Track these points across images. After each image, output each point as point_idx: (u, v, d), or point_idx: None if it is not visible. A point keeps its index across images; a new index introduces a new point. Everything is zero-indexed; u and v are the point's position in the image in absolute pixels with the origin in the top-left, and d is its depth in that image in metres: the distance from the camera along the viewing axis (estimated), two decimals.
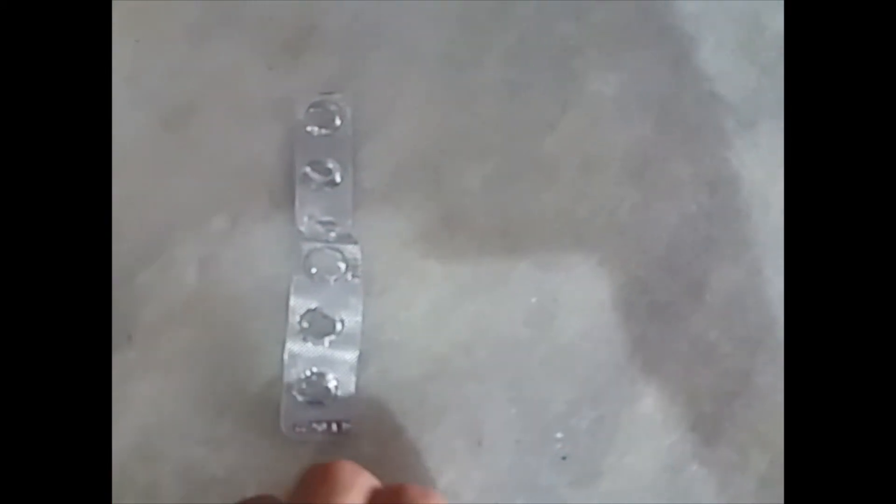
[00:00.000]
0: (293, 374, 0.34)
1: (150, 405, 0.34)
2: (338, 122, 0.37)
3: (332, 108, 0.37)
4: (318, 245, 0.35)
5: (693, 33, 0.39)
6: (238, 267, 0.35)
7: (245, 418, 0.34)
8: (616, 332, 0.35)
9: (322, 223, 0.35)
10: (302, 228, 0.35)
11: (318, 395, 0.34)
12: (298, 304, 0.34)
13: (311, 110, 0.37)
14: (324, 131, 0.37)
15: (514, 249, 0.36)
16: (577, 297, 0.35)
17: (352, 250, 0.35)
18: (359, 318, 0.34)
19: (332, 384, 0.34)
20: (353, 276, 0.35)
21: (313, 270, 0.34)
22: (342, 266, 0.35)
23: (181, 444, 0.33)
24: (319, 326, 0.34)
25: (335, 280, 0.35)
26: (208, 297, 0.35)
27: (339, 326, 0.34)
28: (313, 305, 0.34)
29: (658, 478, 0.34)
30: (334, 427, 0.34)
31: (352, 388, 0.34)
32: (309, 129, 0.37)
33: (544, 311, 0.35)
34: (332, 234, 0.35)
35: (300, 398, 0.34)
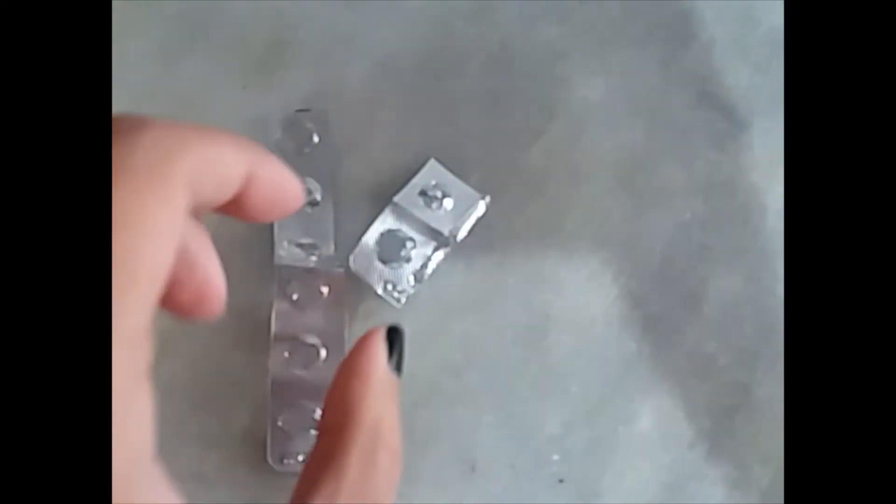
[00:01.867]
0: (278, 404, 0.33)
1: None
2: (316, 139, 0.36)
3: (309, 125, 0.36)
4: (299, 270, 0.34)
5: (682, 31, 0.37)
6: None
7: (232, 452, 0.33)
8: (610, 349, 0.34)
9: (302, 246, 0.34)
10: (282, 253, 0.34)
11: (304, 425, 0.33)
12: (280, 332, 0.33)
13: (288, 128, 0.36)
14: (301, 149, 0.35)
15: (501, 265, 0.35)
16: (568, 314, 0.34)
17: (335, 274, 0.34)
18: (343, 343, 0.33)
19: (318, 413, 0.33)
20: (337, 300, 0.34)
21: (294, 297, 0.33)
22: (325, 290, 0.34)
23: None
24: (303, 354, 0.33)
25: (317, 306, 0.34)
26: (189, 327, 0.34)
27: (323, 353, 0.33)
28: (295, 333, 0.33)
29: (657, 497, 0.33)
30: None
31: None
32: (285, 147, 0.35)
33: (535, 328, 0.34)
34: (314, 258, 0.34)
35: (286, 429, 0.33)
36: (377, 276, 0.34)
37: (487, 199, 0.35)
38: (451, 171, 0.35)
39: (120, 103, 0.36)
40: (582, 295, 0.34)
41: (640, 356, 0.34)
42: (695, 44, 0.37)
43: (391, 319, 0.34)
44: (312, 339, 0.33)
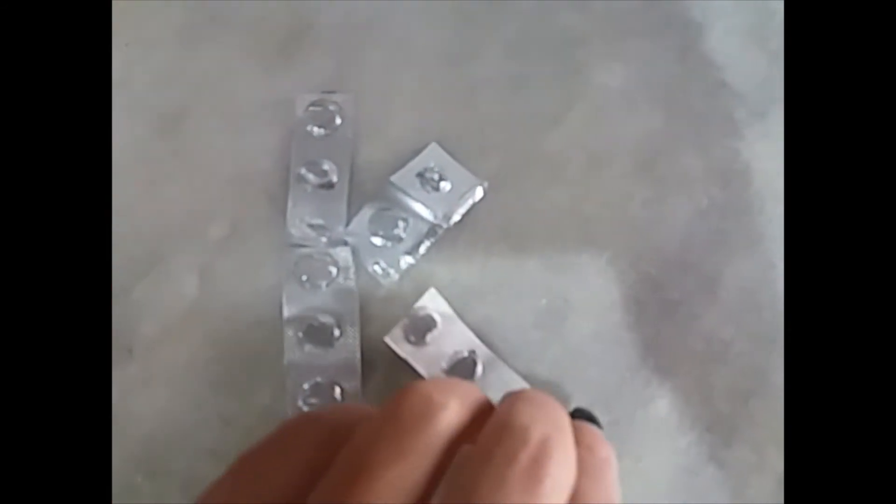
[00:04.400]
0: (295, 383, 0.33)
1: (154, 418, 0.33)
2: (338, 121, 0.36)
3: (332, 107, 0.36)
4: (307, 252, 0.34)
5: (700, 20, 0.38)
6: (237, 275, 0.34)
7: (251, 429, 0.33)
8: (628, 333, 0.34)
9: (313, 227, 0.34)
10: (293, 231, 0.34)
11: (323, 403, 0.33)
12: (292, 314, 0.33)
13: (312, 109, 0.36)
14: (323, 131, 0.36)
15: (520, 250, 0.35)
16: (587, 298, 0.34)
17: (342, 253, 0.34)
18: (356, 321, 0.33)
19: (336, 391, 0.33)
20: (346, 278, 0.34)
21: (304, 278, 0.33)
22: (333, 270, 0.34)
23: (186, 458, 0.33)
24: (316, 334, 0.33)
25: (327, 285, 0.34)
26: (208, 307, 0.34)
27: (336, 332, 0.33)
28: (307, 313, 0.33)
29: (675, 480, 0.33)
30: None
31: (358, 392, 0.33)
32: (309, 128, 0.36)
33: (554, 312, 0.34)
34: (324, 239, 0.34)
35: (305, 408, 0.33)
36: (369, 253, 0.34)
37: (486, 184, 0.35)
38: (469, 155, 0.35)
39: (140, 86, 0.36)
40: (601, 279, 0.35)
41: (657, 341, 0.34)
42: (713, 33, 0.37)
43: (411, 302, 0.34)
44: (325, 318, 0.33)
